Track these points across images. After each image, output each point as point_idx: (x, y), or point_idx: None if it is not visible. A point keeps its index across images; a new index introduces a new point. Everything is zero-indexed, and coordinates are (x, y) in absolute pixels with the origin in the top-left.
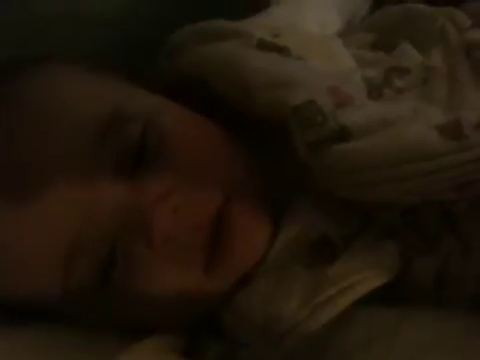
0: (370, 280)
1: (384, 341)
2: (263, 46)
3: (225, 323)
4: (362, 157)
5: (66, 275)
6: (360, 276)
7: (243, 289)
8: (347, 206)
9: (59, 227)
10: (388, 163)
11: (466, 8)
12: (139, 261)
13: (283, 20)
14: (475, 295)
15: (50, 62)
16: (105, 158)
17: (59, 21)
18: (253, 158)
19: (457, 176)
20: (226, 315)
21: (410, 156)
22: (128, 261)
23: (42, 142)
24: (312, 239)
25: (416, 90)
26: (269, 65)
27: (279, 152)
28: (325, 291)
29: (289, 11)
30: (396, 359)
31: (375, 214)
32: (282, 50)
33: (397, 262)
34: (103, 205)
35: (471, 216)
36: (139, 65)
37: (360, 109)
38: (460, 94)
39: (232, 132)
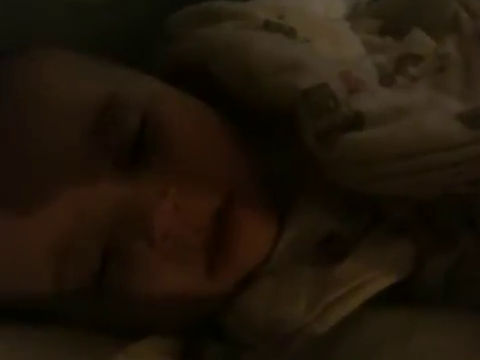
0: (381, 279)
1: (396, 344)
2: (268, 28)
3: (226, 325)
4: (378, 147)
5: (59, 276)
6: (370, 275)
7: (246, 290)
8: (356, 201)
9: (48, 227)
10: (406, 154)
11: None
12: (137, 260)
13: (288, 1)
14: None
15: (41, 47)
16: (99, 150)
17: (55, 7)
18: (256, 151)
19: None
20: (228, 316)
21: (430, 147)
22: (125, 260)
23: (29, 135)
24: (319, 237)
25: (430, 78)
26: (275, 47)
27: (283, 145)
28: (334, 291)
29: None
30: None
31: (386, 209)
32: (288, 32)
33: (410, 261)
34: (98, 201)
35: None
36: (137, 52)
37: (374, 96)
38: (477, 84)
39: (234, 122)
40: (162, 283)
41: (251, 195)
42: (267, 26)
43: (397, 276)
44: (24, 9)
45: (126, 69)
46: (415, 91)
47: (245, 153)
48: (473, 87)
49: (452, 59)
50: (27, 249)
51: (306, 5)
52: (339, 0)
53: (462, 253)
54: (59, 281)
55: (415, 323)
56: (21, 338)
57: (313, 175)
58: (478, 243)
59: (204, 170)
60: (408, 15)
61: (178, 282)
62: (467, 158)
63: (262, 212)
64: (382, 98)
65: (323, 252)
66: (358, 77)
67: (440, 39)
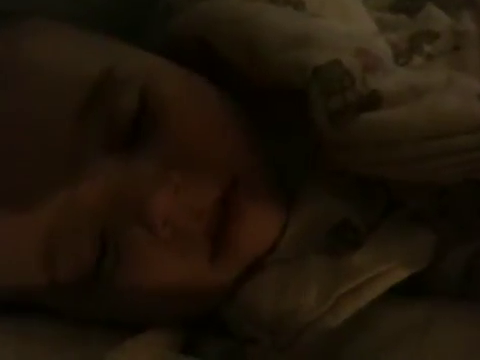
0: (398, 271)
1: (412, 339)
2: (275, 0)
3: (229, 317)
4: (395, 129)
5: (50, 268)
6: (387, 266)
7: (251, 280)
8: (368, 187)
9: (37, 217)
10: (425, 136)
11: None
12: (135, 248)
13: None
14: None
15: (30, 18)
16: (91, 130)
17: None
18: (260, 133)
19: None
20: (231, 308)
21: (451, 129)
22: (122, 248)
23: (16, 113)
24: (330, 224)
25: (446, 57)
26: (284, 20)
27: (288, 126)
28: (349, 282)
29: None
30: (427, 358)
31: (401, 196)
32: (296, 5)
33: (430, 252)
34: (89, 186)
35: None
36: (134, 27)
37: (391, 74)
38: None
39: (237, 101)
40: (162, 272)
41: (256, 180)
42: None
43: (415, 267)
44: None
45: (123, 44)
46: (433, 70)
47: (249, 135)
48: None
49: (470, 36)
50: (16, 242)
51: None
52: None
53: None
54: (52, 274)
55: (432, 317)
56: (7, 333)
57: (322, 159)
58: None
59: (206, 153)
60: None
61: (179, 271)
62: None
63: (267, 198)
64: (400, 77)
65: (334, 240)
66: (374, 54)
67: (455, 15)
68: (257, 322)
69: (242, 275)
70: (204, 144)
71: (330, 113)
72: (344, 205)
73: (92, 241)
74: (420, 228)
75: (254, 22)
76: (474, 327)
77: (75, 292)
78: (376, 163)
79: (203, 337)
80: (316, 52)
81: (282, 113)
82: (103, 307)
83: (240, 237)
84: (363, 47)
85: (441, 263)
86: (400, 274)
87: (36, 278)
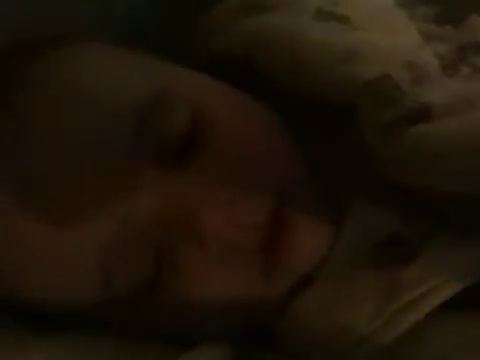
0: (451, 284)
1: (470, 355)
2: (320, 16)
3: (281, 332)
4: (449, 141)
5: (105, 283)
6: (441, 279)
7: (302, 295)
8: (419, 199)
9: (93, 235)
10: (476, 148)
11: None
12: (188, 264)
13: None
14: None
15: (75, 40)
16: (145, 148)
17: None
18: (308, 149)
19: None
20: (282, 323)
21: None
22: (175, 265)
23: (73, 132)
24: (380, 237)
25: None
26: (331, 36)
27: (333, 139)
28: (403, 296)
29: None
30: None
31: (452, 208)
32: (341, 20)
33: None
34: (143, 203)
35: None
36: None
37: (440, 86)
38: None
39: (282, 117)
40: (214, 287)
41: (304, 194)
42: (319, 14)
43: (468, 280)
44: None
45: (172, 64)
46: None
47: (296, 150)
48: None
49: None
50: (73, 257)
51: None
52: None
53: None
54: (107, 288)
55: None
56: (58, 347)
57: (369, 172)
58: None
59: (256, 170)
60: (466, 1)
61: (231, 286)
62: None
63: (317, 211)
64: (449, 89)
65: (385, 254)
66: (422, 66)
67: None
68: (309, 337)
69: (293, 289)
70: (253, 161)
71: (381, 126)
72: (394, 218)
73: (146, 257)
74: (472, 241)
75: (300, 39)
76: None
77: (127, 307)
78: (426, 175)
79: (253, 352)
80: (365, 67)
81: (325, 127)
82: (155, 322)
83: (291, 251)
84: (411, 60)
85: None
86: (453, 288)
87: (91, 293)
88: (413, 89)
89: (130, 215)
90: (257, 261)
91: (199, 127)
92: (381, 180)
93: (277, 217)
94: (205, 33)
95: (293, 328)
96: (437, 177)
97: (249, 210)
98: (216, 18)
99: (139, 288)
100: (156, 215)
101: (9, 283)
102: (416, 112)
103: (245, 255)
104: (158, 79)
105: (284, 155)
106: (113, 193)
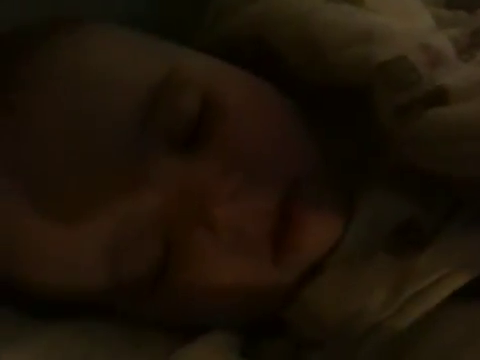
0: (464, 272)
1: None
2: None
3: (290, 319)
4: (466, 124)
5: (115, 270)
6: (453, 267)
7: (313, 281)
8: (434, 185)
9: (99, 219)
10: None
11: None
12: (198, 252)
13: None
14: None
15: (83, 23)
16: (154, 132)
17: None
18: (318, 133)
19: None
20: (292, 310)
21: None
22: (184, 251)
23: (83, 116)
24: (393, 224)
25: None
26: (344, 17)
27: (347, 123)
28: (417, 283)
29: None
30: None
31: (467, 195)
32: (355, 2)
33: None
34: (151, 188)
35: None
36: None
37: (456, 70)
38: None
39: (294, 101)
40: (224, 274)
41: (317, 181)
42: None
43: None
44: None
45: (180, 46)
46: None
47: (308, 134)
48: None
49: None
50: (81, 244)
51: None
52: None
53: None
54: (117, 275)
55: None
56: (73, 335)
57: (383, 157)
58: None
59: (268, 155)
60: None
61: (241, 273)
62: None
63: (329, 198)
64: (465, 72)
65: (398, 241)
66: (438, 50)
67: None
68: (320, 324)
69: (304, 276)
70: (265, 146)
71: (396, 108)
72: (408, 204)
73: (156, 243)
74: None
75: (312, 19)
76: None
77: (138, 294)
78: (442, 159)
79: (263, 339)
80: (380, 48)
81: (339, 110)
82: (165, 309)
83: (303, 238)
84: (426, 43)
85: None
86: (466, 276)
87: (101, 281)
88: (430, 72)
89: (139, 205)
90: (267, 248)
91: (209, 111)
92: (395, 165)
93: (288, 204)
94: (213, 18)
95: (303, 316)
96: (453, 160)
97: (260, 197)
98: (226, 2)
99: (147, 279)
100: (164, 201)
101: (15, 275)
102: (432, 95)
103: (255, 243)
104: (167, 61)
105: (296, 141)
106: (121, 182)
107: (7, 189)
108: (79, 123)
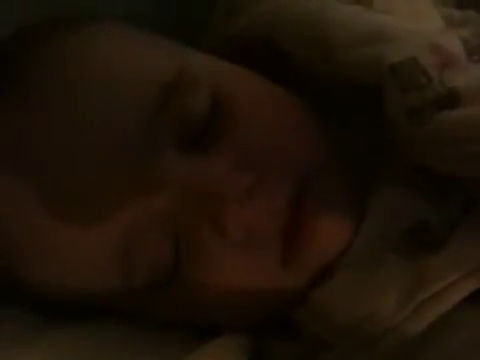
0: (474, 278)
1: None
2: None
3: (301, 322)
4: (476, 126)
5: (126, 270)
6: (468, 269)
7: (324, 283)
8: (445, 186)
9: (110, 220)
10: None
11: None
12: (208, 251)
13: None
14: None
15: (91, 21)
16: (165, 131)
17: None
18: (331, 131)
19: None
20: (303, 313)
21: None
22: (195, 252)
23: (94, 116)
24: (406, 225)
25: None
26: (355, 17)
27: (358, 123)
28: (430, 286)
29: None
30: None
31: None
32: (364, 2)
33: None
34: (162, 189)
35: None
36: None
37: (467, 72)
38: None
39: (305, 101)
40: (234, 274)
41: (329, 180)
42: None
43: None
44: None
45: (188, 47)
46: None
47: (319, 133)
48: None
49: None
50: (93, 245)
51: None
52: None
53: None
54: (128, 276)
55: None
56: (84, 338)
57: (396, 156)
58: None
59: (278, 154)
60: None
61: (251, 273)
62: None
63: (341, 198)
64: (476, 74)
65: (411, 242)
66: (449, 50)
67: None
68: (332, 327)
69: (315, 278)
70: (276, 144)
71: (407, 110)
72: (421, 205)
73: (166, 243)
74: None
75: (323, 19)
76: None
77: (149, 295)
78: (453, 159)
79: (273, 341)
80: (391, 49)
81: (349, 108)
82: (175, 310)
83: (312, 239)
84: (437, 44)
85: None
86: (474, 283)
87: (112, 281)
88: (440, 74)
89: (148, 201)
90: (278, 248)
91: (219, 110)
92: (408, 165)
93: (298, 204)
94: (222, 17)
95: (314, 318)
96: (461, 162)
97: (270, 196)
98: (235, 1)
99: (159, 276)
100: (175, 202)
101: (23, 274)
102: (444, 97)
103: (266, 242)
104: (176, 60)
105: (307, 140)
106: (133, 181)
107: (20, 190)
108: (90, 124)
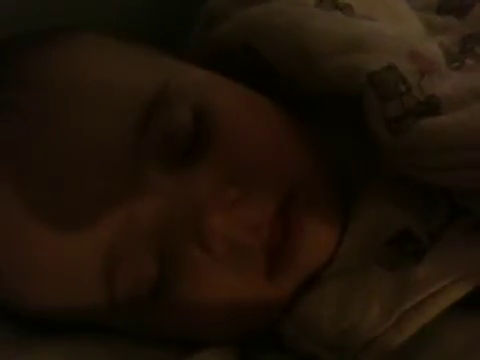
0: (462, 283)
1: None
2: (321, 5)
3: (286, 333)
4: (457, 134)
5: (109, 285)
6: (451, 279)
7: (308, 295)
8: (429, 195)
9: (93, 235)
10: None
11: None
12: (191, 266)
13: None
14: None
15: (73, 32)
16: (148, 147)
17: None
18: (316, 140)
19: None
20: (288, 324)
21: None
22: (179, 266)
23: (76, 131)
24: (390, 235)
25: None
26: (335, 26)
27: (339, 132)
28: (413, 297)
29: None
30: None
31: (465, 204)
32: (344, 9)
33: None
34: (146, 203)
35: None
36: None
37: (447, 78)
38: None
39: (288, 111)
40: (218, 288)
41: (312, 191)
42: (320, 3)
43: (478, 280)
44: None
45: (171, 57)
46: None
47: (303, 144)
48: None
49: None
50: (75, 259)
51: None
52: None
53: None
54: (110, 291)
55: None
56: (59, 354)
57: (378, 165)
58: None
59: (262, 167)
60: None
61: (236, 287)
62: None
63: (325, 209)
64: (456, 80)
65: (394, 252)
66: (428, 58)
67: None
68: (316, 338)
69: (299, 289)
70: (260, 158)
71: (387, 119)
72: (405, 214)
73: (150, 258)
74: None
75: (303, 26)
76: None
77: (132, 309)
78: (436, 169)
79: (259, 354)
80: (370, 57)
81: (332, 119)
82: (159, 324)
83: (298, 251)
84: (417, 50)
85: None
86: (465, 287)
87: (94, 296)
88: (419, 81)
89: (132, 216)
90: (262, 262)
91: (202, 123)
92: (391, 174)
93: (283, 217)
94: (205, 24)
95: (299, 329)
96: (444, 171)
97: (254, 210)
98: (217, 7)
99: (143, 292)
100: (160, 216)
101: (10, 288)
102: (424, 105)
103: (250, 256)
104: (160, 73)
105: (291, 151)
106: (116, 194)
107: (1, 205)
108: (74, 138)
